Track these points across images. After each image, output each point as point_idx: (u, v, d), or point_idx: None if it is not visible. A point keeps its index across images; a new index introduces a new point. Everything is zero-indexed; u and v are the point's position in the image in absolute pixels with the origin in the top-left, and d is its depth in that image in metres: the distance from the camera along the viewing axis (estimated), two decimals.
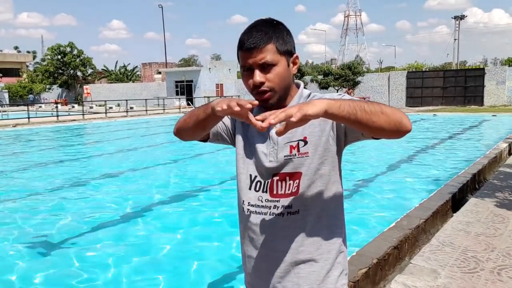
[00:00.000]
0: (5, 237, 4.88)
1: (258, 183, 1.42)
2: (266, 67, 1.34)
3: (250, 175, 1.44)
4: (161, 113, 28.61)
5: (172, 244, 4.63)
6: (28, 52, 79.73)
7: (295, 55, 1.42)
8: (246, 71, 1.37)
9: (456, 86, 29.86)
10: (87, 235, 4.92)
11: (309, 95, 1.45)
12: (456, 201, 5.45)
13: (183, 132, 1.49)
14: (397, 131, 1.25)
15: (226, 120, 1.53)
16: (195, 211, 5.81)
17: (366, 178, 7.65)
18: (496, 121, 18.72)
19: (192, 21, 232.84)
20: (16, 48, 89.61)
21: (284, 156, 1.38)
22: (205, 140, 1.55)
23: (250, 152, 1.45)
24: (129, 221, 5.45)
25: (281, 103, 1.39)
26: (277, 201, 1.39)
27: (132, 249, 4.49)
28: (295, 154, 1.38)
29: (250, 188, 1.44)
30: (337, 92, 32.49)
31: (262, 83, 1.34)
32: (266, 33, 1.35)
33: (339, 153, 1.44)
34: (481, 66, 50.74)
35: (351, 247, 4.09)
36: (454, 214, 4.97)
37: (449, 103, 29.56)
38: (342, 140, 1.42)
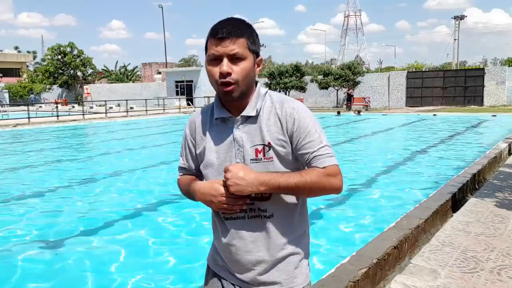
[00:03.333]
0: (5, 237, 4.88)
1: None
2: (235, 60, 1.37)
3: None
4: (161, 113, 28.62)
5: (172, 244, 4.64)
6: (28, 52, 79.73)
7: (260, 57, 1.47)
8: (214, 61, 1.39)
9: (456, 86, 29.86)
10: (87, 235, 4.93)
11: (265, 93, 1.49)
12: (456, 201, 5.46)
13: None
14: (323, 194, 1.45)
15: (188, 152, 1.59)
16: (195, 211, 5.81)
17: (366, 178, 7.65)
18: (496, 121, 18.72)
19: (192, 21, 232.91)
20: (16, 48, 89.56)
21: (251, 159, 1.41)
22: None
23: (212, 158, 1.47)
24: (129, 221, 5.45)
25: (242, 99, 1.42)
26: (251, 203, 1.43)
27: (131, 249, 4.50)
28: (261, 158, 1.41)
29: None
30: (337, 92, 32.30)
31: (229, 74, 1.36)
32: (240, 27, 1.39)
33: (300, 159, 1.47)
34: (481, 66, 50.75)
35: (351, 247, 4.11)
36: (454, 214, 4.97)
37: (449, 103, 29.56)
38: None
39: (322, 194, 1.42)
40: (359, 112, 25.53)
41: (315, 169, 1.37)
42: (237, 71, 1.37)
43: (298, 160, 1.45)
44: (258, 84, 1.51)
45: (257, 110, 1.43)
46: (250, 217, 1.44)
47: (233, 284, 1.52)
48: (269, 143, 1.41)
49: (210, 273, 1.60)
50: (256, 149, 1.41)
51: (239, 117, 1.44)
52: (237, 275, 1.50)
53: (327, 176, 1.38)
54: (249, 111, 1.43)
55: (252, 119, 1.44)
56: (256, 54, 1.43)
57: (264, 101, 1.46)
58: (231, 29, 1.37)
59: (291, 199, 1.46)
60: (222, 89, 1.39)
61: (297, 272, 1.49)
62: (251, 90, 1.46)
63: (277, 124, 1.42)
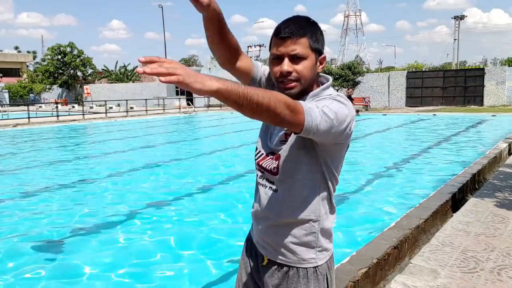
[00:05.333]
0: (5, 237, 4.88)
1: (257, 155, 1.59)
2: (296, 59, 1.41)
3: (256, 147, 1.62)
4: (161, 113, 28.62)
5: (172, 244, 4.64)
6: (28, 52, 79.77)
7: (323, 55, 1.49)
8: (276, 59, 1.45)
9: (456, 86, 29.84)
10: (86, 235, 4.93)
11: (327, 88, 1.51)
12: (456, 201, 5.46)
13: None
14: (274, 119, 1.25)
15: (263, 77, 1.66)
16: (195, 210, 5.81)
17: (366, 178, 7.65)
18: (496, 121, 18.72)
19: (192, 21, 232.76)
20: (16, 48, 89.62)
21: (280, 141, 1.50)
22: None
23: (261, 128, 1.63)
24: (129, 221, 5.45)
25: (302, 94, 1.47)
26: (263, 174, 1.56)
27: (131, 249, 4.50)
28: (284, 139, 1.50)
29: (255, 159, 1.61)
30: (337, 92, 32.63)
31: (289, 73, 1.41)
32: (302, 27, 1.42)
33: (324, 150, 1.46)
34: (481, 66, 50.75)
35: (351, 247, 4.11)
36: (454, 214, 4.97)
37: (449, 103, 29.55)
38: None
39: (272, 119, 1.24)
40: (357, 112, 25.53)
41: (278, 93, 1.27)
42: (298, 69, 1.42)
43: (328, 150, 1.46)
44: (330, 81, 1.54)
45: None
46: (264, 186, 1.57)
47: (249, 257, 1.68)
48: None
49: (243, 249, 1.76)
50: (286, 133, 1.49)
51: None
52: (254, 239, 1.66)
53: (285, 103, 1.23)
54: (307, 101, 1.47)
55: None
56: (318, 52, 1.46)
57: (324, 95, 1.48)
58: (293, 29, 1.40)
59: (298, 180, 1.48)
60: (282, 86, 1.44)
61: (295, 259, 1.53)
62: (312, 87, 1.50)
63: None
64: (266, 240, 1.57)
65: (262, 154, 1.57)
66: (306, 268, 1.53)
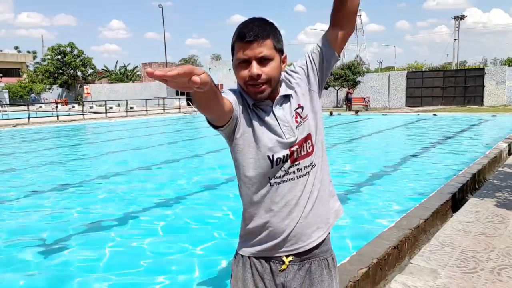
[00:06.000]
0: (4, 237, 4.88)
1: (278, 159, 1.51)
2: (263, 61, 1.43)
3: (268, 156, 1.51)
4: (161, 113, 28.63)
5: (172, 244, 4.64)
6: (28, 52, 79.76)
7: (285, 55, 1.53)
8: (242, 63, 1.44)
9: (456, 86, 29.85)
10: (86, 235, 4.93)
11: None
12: (456, 201, 5.46)
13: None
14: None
15: (236, 110, 1.50)
16: (196, 210, 5.82)
17: (366, 178, 7.65)
18: (496, 121, 18.72)
19: (192, 21, 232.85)
20: (16, 48, 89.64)
21: (296, 127, 1.52)
22: (219, 126, 1.50)
23: (260, 138, 1.50)
24: (129, 220, 5.45)
25: (272, 93, 1.50)
26: (298, 164, 1.53)
27: (130, 249, 4.50)
28: (300, 121, 1.53)
29: (272, 167, 1.52)
30: (337, 92, 32.50)
31: (259, 76, 1.42)
32: (265, 29, 1.44)
33: (319, 92, 1.62)
34: (481, 66, 50.75)
35: (351, 247, 4.11)
36: (454, 214, 4.97)
37: (449, 103, 29.56)
38: (318, 76, 1.59)
39: (353, 11, 1.56)
40: (356, 112, 25.56)
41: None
42: (266, 71, 1.43)
43: (321, 90, 1.63)
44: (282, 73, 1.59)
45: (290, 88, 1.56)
46: (290, 180, 1.56)
47: None
48: (299, 104, 1.54)
49: None
50: (295, 116, 1.53)
51: (277, 97, 1.53)
52: None
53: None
54: (283, 91, 1.54)
55: (284, 97, 1.54)
56: (281, 52, 1.50)
57: (284, 79, 1.57)
58: (257, 31, 1.41)
59: (323, 151, 1.63)
60: (253, 90, 1.46)
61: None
62: (278, 86, 1.54)
63: (298, 77, 1.58)
64: (302, 232, 1.55)
65: (279, 157, 1.50)
66: (326, 258, 1.60)
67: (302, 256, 1.58)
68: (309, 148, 1.54)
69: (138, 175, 8.36)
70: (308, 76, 1.58)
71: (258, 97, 1.47)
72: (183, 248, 4.53)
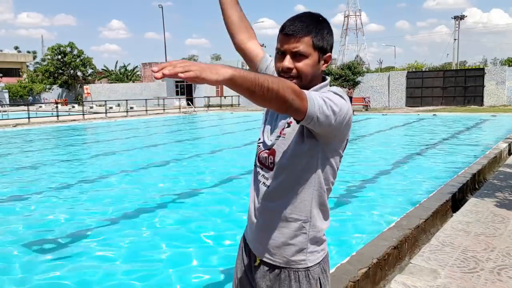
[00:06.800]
0: (4, 236, 4.88)
1: (256, 155, 1.61)
2: (297, 56, 1.44)
3: (259, 139, 1.63)
4: (161, 113, 28.62)
5: (171, 244, 4.64)
6: (28, 52, 79.83)
7: (328, 54, 1.51)
8: (280, 54, 1.48)
9: (456, 86, 29.84)
10: (86, 235, 4.92)
11: (326, 86, 1.53)
12: (456, 201, 5.46)
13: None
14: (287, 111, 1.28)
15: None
16: (195, 210, 5.82)
17: (366, 178, 7.65)
18: (496, 121, 18.72)
19: (192, 21, 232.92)
20: (16, 48, 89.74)
21: (276, 136, 1.52)
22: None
23: (264, 120, 1.64)
24: (129, 220, 5.45)
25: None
26: (262, 169, 1.56)
27: (130, 250, 4.50)
28: (280, 135, 1.51)
29: (255, 160, 1.62)
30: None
31: (290, 69, 1.45)
32: (308, 25, 1.44)
33: (324, 145, 1.45)
34: (481, 66, 50.74)
35: (351, 247, 4.11)
36: (454, 214, 4.97)
37: (449, 103, 29.55)
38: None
39: (281, 104, 1.24)
40: (353, 112, 25.61)
41: (285, 79, 1.30)
42: (298, 67, 1.44)
43: (327, 147, 1.46)
44: (328, 79, 1.56)
45: None
46: (259, 182, 1.59)
47: None
48: (290, 122, 1.50)
49: None
50: (282, 128, 1.51)
51: None
52: None
53: (292, 89, 1.24)
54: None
55: None
56: (323, 50, 1.48)
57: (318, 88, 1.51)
58: (297, 27, 1.43)
59: (293, 177, 1.48)
60: None
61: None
62: (313, 84, 1.50)
63: None
64: (257, 239, 1.58)
65: (262, 147, 1.58)
66: (297, 270, 1.51)
67: (264, 259, 1.57)
68: (270, 164, 1.52)
69: (139, 175, 8.35)
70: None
71: None
72: (184, 248, 4.53)
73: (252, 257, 1.62)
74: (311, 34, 1.44)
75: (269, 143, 1.54)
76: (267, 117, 1.63)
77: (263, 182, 1.54)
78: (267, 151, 1.53)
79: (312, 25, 1.45)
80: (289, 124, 1.48)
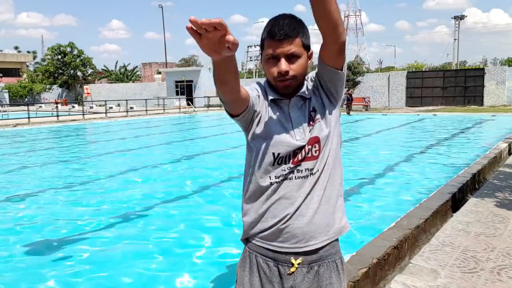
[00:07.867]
0: (4, 236, 4.88)
1: (281, 159, 1.55)
2: (291, 58, 1.49)
3: (273, 153, 1.55)
4: (161, 113, 28.62)
5: (172, 244, 4.64)
6: (28, 52, 79.86)
7: (311, 51, 1.59)
8: (271, 59, 1.51)
9: (456, 86, 29.84)
10: (85, 235, 4.93)
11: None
12: (456, 201, 5.46)
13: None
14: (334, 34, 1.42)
15: (255, 99, 1.58)
16: (195, 210, 5.81)
17: (366, 178, 7.65)
18: (496, 121, 18.72)
19: None
20: (16, 48, 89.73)
21: (310, 131, 1.55)
22: (235, 115, 1.56)
23: (271, 134, 1.55)
24: (129, 221, 5.45)
25: (297, 88, 1.57)
26: (300, 165, 1.54)
27: (130, 250, 4.50)
28: (313, 124, 1.56)
29: (273, 164, 1.55)
30: None
31: (287, 72, 1.49)
32: (295, 27, 1.50)
33: (335, 106, 1.63)
34: (481, 66, 50.74)
35: (351, 248, 4.11)
36: (454, 214, 4.97)
37: (449, 103, 29.56)
38: (325, 91, 1.61)
39: (332, 24, 1.39)
40: (348, 112, 25.78)
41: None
42: (294, 68, 1.50)
43: (338, 106, 1.65)
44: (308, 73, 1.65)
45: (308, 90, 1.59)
46: (293, 178, 1.57)
47: None
48: (313, 107, 1.57)
49: None
50: (309, 120, 1.56)
51: (294, 98, 1.57)
52: None
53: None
54: (303, 91, 1.58)
55: (300, 97, 1.58)
56: (308, 48, 1.55)
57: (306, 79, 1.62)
58: (288, 30, 1.47)
59: (331, 156, 1.60)
60: (281, 85, 1.53)
61: None
62: (303, 80, 1.59)
63: (312, 85, 1.62)
64: (313, 231, 1.56)
65: (282, 157, 1.54)
66: (334, 260, 1.61)
67: (309, 258, 1.57)
68: (315, 153, 1.54)
69: (138, 175, 8.35)
70: (318, 89, 1.62)
71: (286, 91, 1.54)
72: (184, 248, 4.53)
73: (284, 268, 1.56)
74: (300, 35, 1.50)
75: (306, 138, 1.53)
76: (268, 125, 1.56)
77: (305, 176, 1.54)
78: (308, 144, 1.53)
79: (298, 26, 1.50)
80: (315, 111, 1.56)
